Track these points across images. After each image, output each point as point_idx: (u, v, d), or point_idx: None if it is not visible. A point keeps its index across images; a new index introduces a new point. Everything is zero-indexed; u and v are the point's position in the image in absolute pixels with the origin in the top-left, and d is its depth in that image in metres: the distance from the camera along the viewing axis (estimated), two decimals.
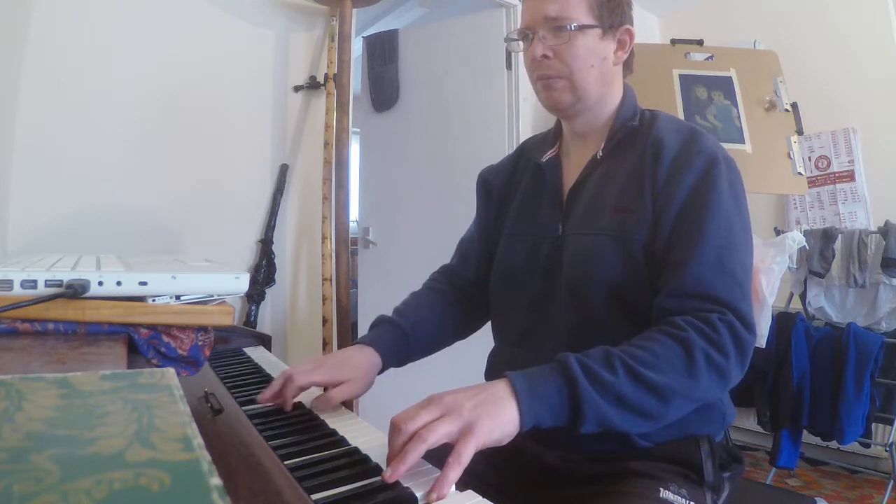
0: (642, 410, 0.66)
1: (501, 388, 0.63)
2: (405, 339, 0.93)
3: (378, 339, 0.91)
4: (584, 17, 0.83)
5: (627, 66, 0.91)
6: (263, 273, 1.89)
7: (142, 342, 0.61)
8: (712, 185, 0.77)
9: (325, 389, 0.83)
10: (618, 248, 0.80)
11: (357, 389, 0.83)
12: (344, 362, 0.85)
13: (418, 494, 0.55)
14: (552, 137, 0.98)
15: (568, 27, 0.82)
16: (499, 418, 0.60)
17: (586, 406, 0.63)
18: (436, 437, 0.57)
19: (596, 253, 0.81)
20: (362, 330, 2.75)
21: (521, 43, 0.89)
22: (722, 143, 0.85)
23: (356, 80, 2.44)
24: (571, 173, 0.92)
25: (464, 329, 1.05)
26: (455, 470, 0.56)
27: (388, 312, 0.98)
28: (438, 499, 0.54)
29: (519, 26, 0.89)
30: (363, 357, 0.87)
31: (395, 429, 0.59)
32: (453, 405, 0.60)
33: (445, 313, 1.01)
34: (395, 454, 0.57)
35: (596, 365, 0.66)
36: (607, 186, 0.85)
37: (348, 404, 0.83)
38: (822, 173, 2.60)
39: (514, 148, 1.10)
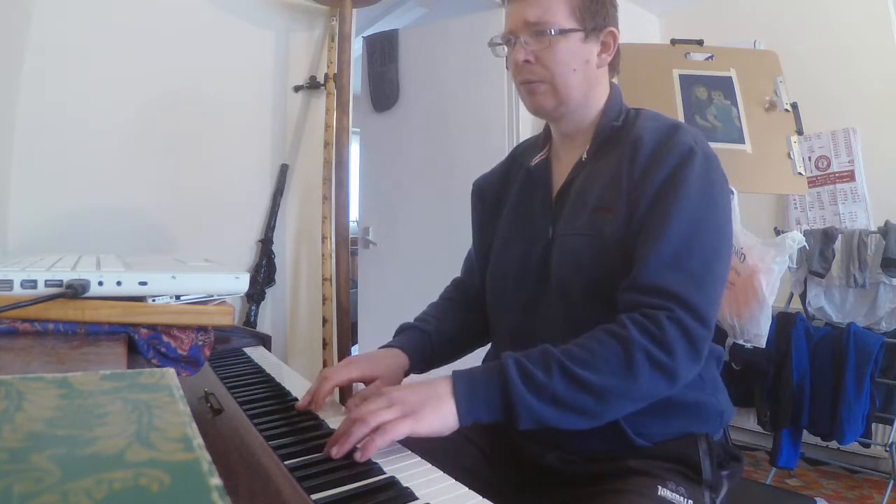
0: (579, 408, 0.69)
1: (444, 387, 0.69)
2: (430, 343, 0.96)
3: (405, 343, 0.93)
4: (566, 21, 0.83)
5: (613, 67, 0.91)
6: (263, 273, 1.89)
7: (142, 342, 0.61)
8: (681, 180, 0.76)
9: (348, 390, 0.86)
10: (594, 246, 0.81)
11: (391, 385, 0.85)
12: (374, 360, 0.88)
13: (417, 493, 0.55)
14: (542, 141, 0.98)
15: (549, 32, 0.82)
16: (439, 413, 0.67)
17: (519, 406, 0.68)
18: (377, 421, 0.63)
19: (577, 253, 0.82)
20: (362, 330, 2.75)
21: (504, 48, 0.89)
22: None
23: (356, 80, 2.44)
24: (560, 175, 0.92)
25: (485, 334, 1.05)
26: (383, 438, 0.62)
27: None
28: (363, 458, 0.61)
29: (503, 30, 0.88)
30: (391, 357, 0.90)
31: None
32: (399, 398, 0.67)
33: (465, 320, 1.03)
34: (340, 435, 0.64)
35: (532, 366, 0.70)
36: (590, 187, 0.85)
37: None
38: (822, 173, 2.60)
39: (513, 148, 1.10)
